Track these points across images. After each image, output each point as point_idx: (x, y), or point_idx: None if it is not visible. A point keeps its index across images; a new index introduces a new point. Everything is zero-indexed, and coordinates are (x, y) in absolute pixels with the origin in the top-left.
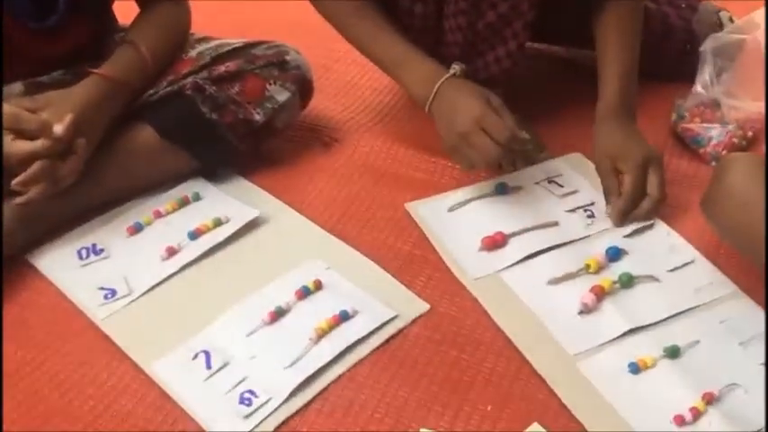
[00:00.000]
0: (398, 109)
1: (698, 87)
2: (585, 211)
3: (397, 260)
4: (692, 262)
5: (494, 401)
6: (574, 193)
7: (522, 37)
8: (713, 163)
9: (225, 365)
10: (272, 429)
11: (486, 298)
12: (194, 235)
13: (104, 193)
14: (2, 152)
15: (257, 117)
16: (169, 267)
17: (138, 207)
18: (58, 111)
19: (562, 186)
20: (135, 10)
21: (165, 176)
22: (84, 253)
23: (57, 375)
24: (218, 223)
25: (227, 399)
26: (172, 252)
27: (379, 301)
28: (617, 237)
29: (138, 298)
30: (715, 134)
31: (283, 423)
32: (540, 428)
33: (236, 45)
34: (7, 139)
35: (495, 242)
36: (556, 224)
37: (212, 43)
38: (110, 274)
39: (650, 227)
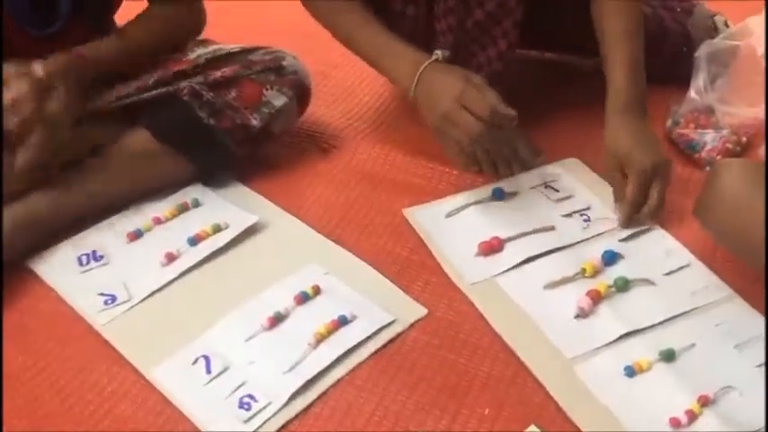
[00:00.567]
0: (396, 115)
1: (692, 93)
2: (581, 215)
3: (395, 265)
4: (688, 265)
5: (491, 405)
6: (570, 197)
7: (511, 36)
8: (707, 168)
9: (224, 370)
10: None
11: (483, 302)
12: (194, 241)
13: (102, 198)
14: (2, 156)
15: (254, 122)
16: (169, 273)
17: (137, 213)
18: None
19: (558, 191)
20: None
21: (163, 181)
22: (84, 259)
23: (57, 381)
24: (217, 229)
25: (227, 403)
26: (171, 258)
27: (377, 306)
28: (613, 241)
29: (137, 304)
30: (709, 140)
31: (283, 427)
32: (537, 431)
33: (233, 50)
34: None
35: (492, 247)
36: (552, 229)
37: (210, 47)
38: (110, 279)
39: (646, 231)
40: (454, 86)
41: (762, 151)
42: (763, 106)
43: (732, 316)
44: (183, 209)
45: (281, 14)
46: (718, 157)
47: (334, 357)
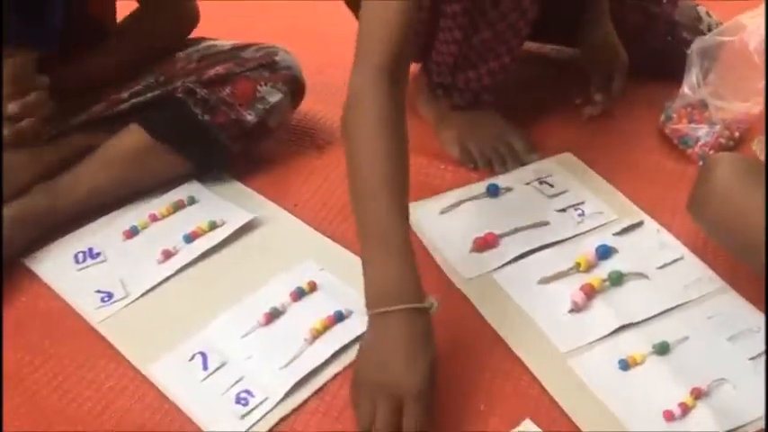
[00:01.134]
0: None
1: (685, 88)
2: (576, 209)
3: None
4: (681, 259)
5: (486, 399)
6: (564, 192)
7: (516, 51)
8: (701, 163)
9: (221, 366)
10: (268, 429)
11: (479, 298)
12: (190, 238)
13: (99, 196)
14: (1, 159)
15: (249, 118)
16: (165, 270)
17: (133, 211)
18: None
19: (552, 186)
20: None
21: (159, 179)
22: (80, 257)
23: (55, 378)
24: (213, 226)
25: (224, 399)
26: (168, 255)
27: None
28: (607, 235)
29: (134, 300)
30: (702, 134)
31: (279, 422)
32: (532, 425)
33: (224, 47)
34: None
35: (487, 243)
36: (546, 224)
37: (201, 45)
38: (106, 277)
39: (639, 225)
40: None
41: (754, 146)
42: (755, 100)
43: (725, 308)
44: (179, 206)
45: (277, 12)
46: (712, 152)
47: (330, 353)
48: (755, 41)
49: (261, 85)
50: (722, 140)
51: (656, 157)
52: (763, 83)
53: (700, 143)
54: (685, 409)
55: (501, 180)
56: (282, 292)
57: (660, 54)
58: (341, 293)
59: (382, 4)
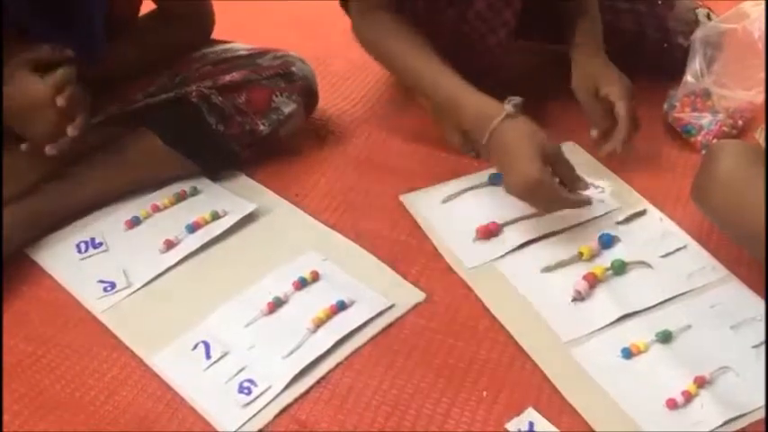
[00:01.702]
0: (393, 102)
1: (688, 77)
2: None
3: (393, 251)
4: (684, 247)
5: (489, 388)
6: None
7: (511, 24)
8: (704, 152)
9: (224, 355)
10: (271, 417)
11: (481, 287)
12: (192, 228)
13: (104, 197)
14: (1, 160)
15: (262, 128)
16: (168, 260)
17: (135, 201)
18: None
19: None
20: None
21: (166, 180)
22: (83, 247)
23: (58, 367)
24: (215, 217)
25: (227, 388)
26: (170, 245)
27: (375, 291)
28: (610, 224)
29: (137, 290)
30: (706, 123)
31: (282, 411)
32: (535, 413)
33: (241, 53)
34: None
35: (490, 231)
36: None
37: (217, 47)
38: (109, 267)
39: (643, 213)
40: (528, 173)
41: (757, 134)
42: (758, 89)
43: (728, 297)
44: (182, 197)
45: (281, 3)
46: (714, 141)
47: (332, 342)
48: (759, 29)
49: (276, 95)
50: (725, 129)
51: (660, 145)
52: None
53: (703, 132)
54: (688, 398)
55: None
56: (285, 281)
57: (655, 60)
58: (343, 283)
59: None
